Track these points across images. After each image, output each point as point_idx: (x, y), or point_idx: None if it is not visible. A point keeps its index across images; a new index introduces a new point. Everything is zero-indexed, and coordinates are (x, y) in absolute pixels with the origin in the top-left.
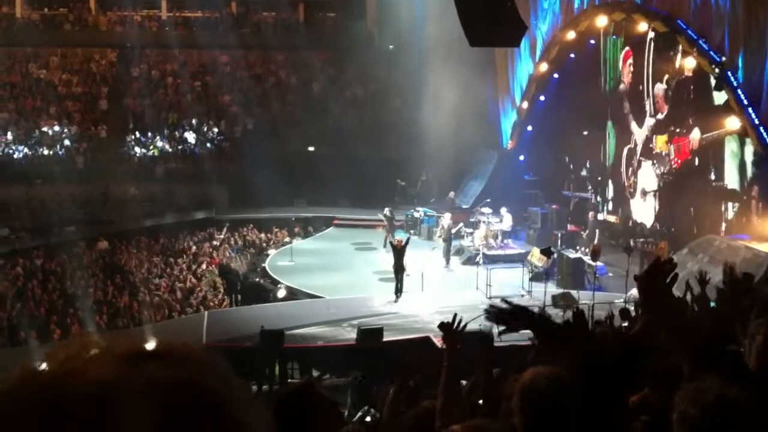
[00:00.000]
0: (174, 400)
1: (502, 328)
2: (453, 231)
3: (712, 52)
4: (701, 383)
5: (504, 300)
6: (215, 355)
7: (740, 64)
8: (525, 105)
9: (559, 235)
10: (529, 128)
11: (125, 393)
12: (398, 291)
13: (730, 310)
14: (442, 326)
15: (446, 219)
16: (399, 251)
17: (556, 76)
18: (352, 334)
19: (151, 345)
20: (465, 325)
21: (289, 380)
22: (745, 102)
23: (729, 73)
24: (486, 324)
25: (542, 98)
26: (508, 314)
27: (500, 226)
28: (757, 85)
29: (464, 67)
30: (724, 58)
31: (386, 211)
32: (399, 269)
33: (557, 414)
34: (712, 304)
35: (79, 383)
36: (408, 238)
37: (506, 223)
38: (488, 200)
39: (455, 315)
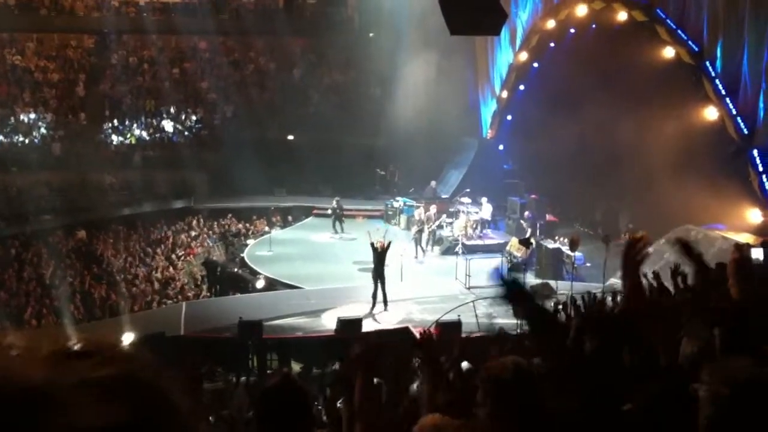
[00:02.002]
0: (112, 396)
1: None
2: (436, 223)
3: (690, 42)
4: (731, 362)
5: (520, 283)
6: (142, 349)
7: (719, 54)
8: (504, 94)
9: (539, 224)
10: (509, 117)
11: (58, 393)
12: (375, 298)
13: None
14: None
15: (421, 211)
16: (380, 255)
17: (535, 65)
18: (331, 325)
19: (76, 344)
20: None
21: (268, 371)
22: (723, 92)
23: (707, 63)
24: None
25: (522, 87)
26: (522, 296)
27: (480, 216)
28: (735, 75)
29: (445, 55)
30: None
31: (334, 201)
32: (379, 276)
33: (524, 403)
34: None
35: (5, 386)
36: (390, 243)
37: (486, 212)
38: (468, 190)
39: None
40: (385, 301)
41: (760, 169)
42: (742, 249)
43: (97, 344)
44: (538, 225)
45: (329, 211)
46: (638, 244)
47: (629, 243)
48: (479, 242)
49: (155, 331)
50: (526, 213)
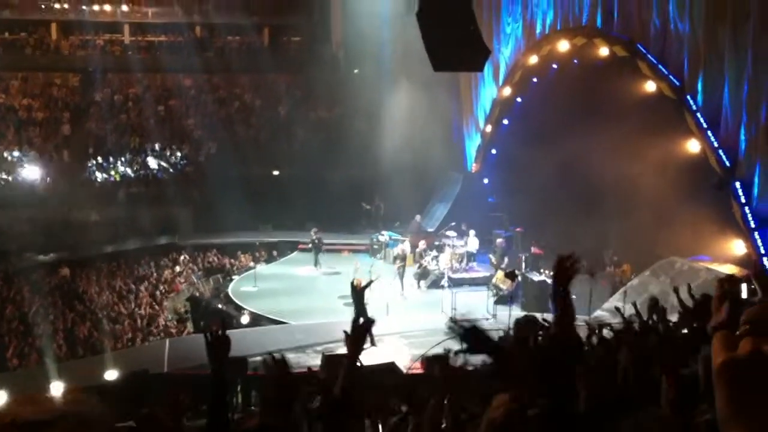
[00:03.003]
0: None
1: (463, 346)
2: (427, 259)
3: (671, 76)
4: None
5: (467, 321)
6: (105, 410)
7: (699, 88)
8: (489, 128)
9: (524, 257)
10: (494, 151)
11: None
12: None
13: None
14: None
15: (405, 245)
16: (358, 294)
17: (519, 100)
18: (316, 360)
19: (37, 414)
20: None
21: (252, 408)
22: (705, 125)
23: (688, 97)
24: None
25: (506, 122)
26: (471, 334)
27: (466, 249)
28: (716, 109)
29: (429, 90)
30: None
31: (312, 233)
32: (360, 315)
33: None
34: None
35: None
36: (370, 281)
37: (473, 245)
38: (453, 223)
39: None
40: (372, 339)
41: (743, 200)
42: (725, 284)
43: (59, 413)
44: (510, 254)
45: (309, 245)
46: (568, 261)
47: (559, 259)
48: (465, 275)
49: (139, 368)
50: (498, 240)
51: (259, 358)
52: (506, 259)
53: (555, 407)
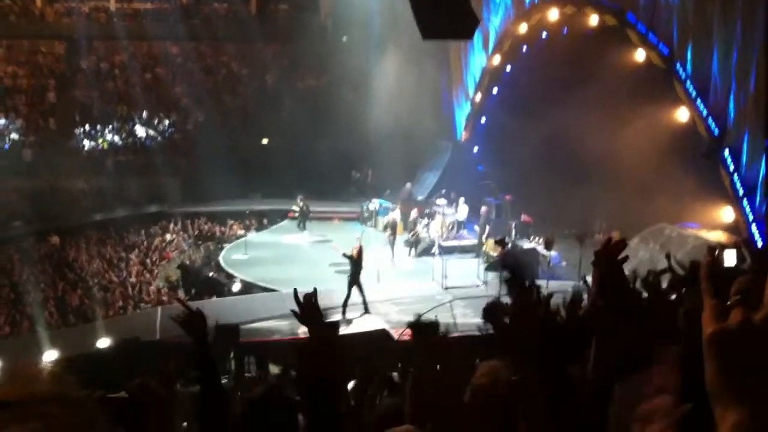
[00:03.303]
0: None
1: (507, 274)
2: (419, 227)
3: (660, 45)
4: (636, 380)
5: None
6: (59, 382)
7: (689, 57)
8: (478, 97)
9: (514, 225)
10: (483, 120)
11: None
12: (346, 305)
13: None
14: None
15: (395, 214)
16: (356, 263)
17: (508, 68)
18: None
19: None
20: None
21: (246, 375)
22: (694, 94)
23: (678, 65)
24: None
25: (495, 90)
26: (519, 267)
27: (455, 217)
28: (705, 77)
29: (418, 59)
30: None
31: (298, 200)
32: (355, 282)
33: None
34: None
35: None
36: (361, 247)
37: (462, 214)
38: (443, 191)
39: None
40: (366, 305)
41: (731, 168)
42: (715, 252)
43: (16, 394)
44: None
45: (297, 212)
46: (618, 246)
47: (606, 243)
48: (455, 243)
49: (131, 336)
50: (483, 209)
51: (251, 326)
52: (488, 228)
53: (556, 374)
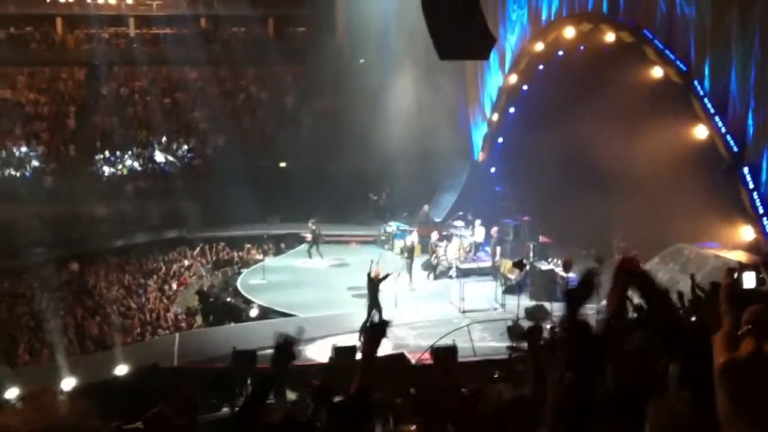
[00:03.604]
0: None
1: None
2: (437, 248)
3: (678, 62)
4: (673, 399)
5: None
6: (76, 412)
7: (707, 73)
8: (495, 117)
9: (532, 246)
10: (500, 140)
11: None
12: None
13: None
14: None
15: (413, 237)
16: (374, 285)
17: (525, 87)
18: (326, 353)
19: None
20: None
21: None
22: (712, 111)
23: (695, 82)
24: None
25: (512, 110)
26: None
27: (473, 239)
28: (723, 94)
29: (435, 79)
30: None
31: (310, 223)
32: (374, 306)
33: None
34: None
35: None
36: (387, 275)
37: (479, 235)
38: (461, 213)
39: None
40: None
41: (751, 186)
42: (734, 274)
43: (34, 425)
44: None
45: (309, 236)
46: (634, 262)
47: (623, 260)
48: (473, 265)
49: (148, 362)
50: (493, 229)
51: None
52: (499, 249)
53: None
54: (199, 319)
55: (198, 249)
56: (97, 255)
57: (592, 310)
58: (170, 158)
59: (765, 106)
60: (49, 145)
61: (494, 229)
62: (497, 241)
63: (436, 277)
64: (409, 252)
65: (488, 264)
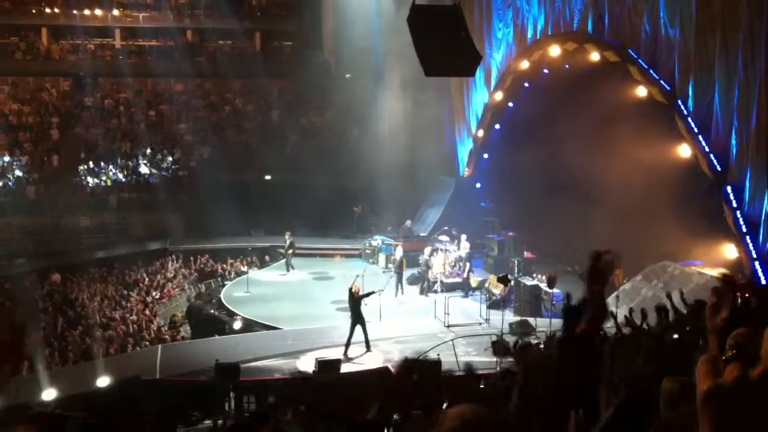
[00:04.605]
0: None
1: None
2: (428, 259)
3: (662, 81)
4: (675, 415)
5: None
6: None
7: (690, 93)
8: (481, 133)
9: (516, 262)
10: (486, 156)
11: None
12: (349, 342)
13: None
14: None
15: (399, 250)
16: (355, 301)
17: (510, 104)
18: (310, 366)
19: None
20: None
21: (245, 414)
22: (696, 130)
23: (679, 102)
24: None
25: (497, 127)
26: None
27: (458, 254)
28: (707, 113)
29: (421, 95)
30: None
31: (287, 236)
32: (357, 320)
33: None
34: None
35: None
36: (370, 293)
37: (464, 250)
38: (446, 228)
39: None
40: (367, 344)
41: (734, 205)
42: (720, 292)
43: None
44: (516, 261)
45: (290, 250)
46: (605, 256)
47: (594, 255)
48: (458, 280)
49: (130, 374)
50: (464, 244)
51: (252, 364)
52: (468, 265)
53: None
54: (184, 330)
55: (181, 261)
56: (80, 266)
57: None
58: (154, 170)
59: (748, 125)
60: (32, 156)
61: (466, 245)
62: (467, 257)
63: (425, 293)
64: (398, 266)
65: (475, 279)
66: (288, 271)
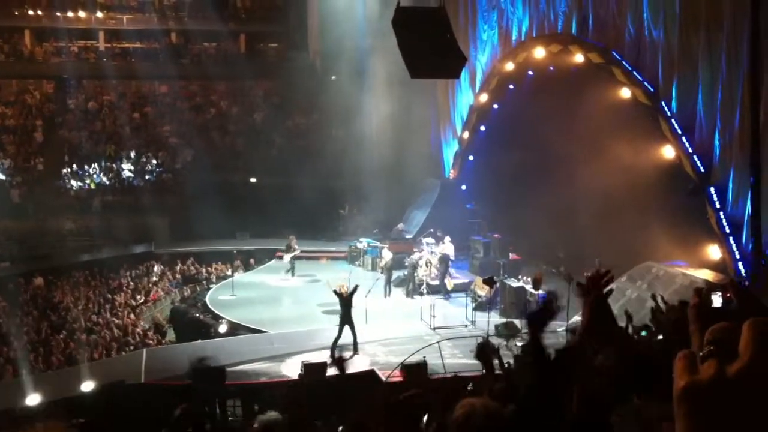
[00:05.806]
0: None
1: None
2: (416, 261)
3: (646, 83)
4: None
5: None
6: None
7: (674, 94)
8: (466, 135)
9: (502, 263)
10: (471, 158)
11: None
12: (335, 344)
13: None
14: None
15: (387, 252)
16: (345, 300)
17: (496, 106)
18: (295, 370)
19: None
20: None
21: (230, 418)
22: (679, 131)
23: (663, 103)
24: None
25: (483, 128)
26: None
27: (440, 256)
28: (690, 115)
29: (406, 97)
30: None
31: (292, 241)
32: (347, 321)
33: None
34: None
35: None
36: (356, 287)
37: (448, 251)
38: (431, 230)
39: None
40: (355, 346)
41: (718, 206)
42: (702, 294)
43: None
44: (501, 263)
45: (298, 253)
46: (605, 277)
47: (594, 275)
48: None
49: (115, 379)
50: (442, 246)
51: (237, 368)
52: (445, 267)
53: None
54: (170, 334)
55: (166, 264)
56: (64, 270)
57: (561, 328)
58: (139, 172)
59: (731, 126)
60: (15, 159)
61: (442, 247)
62: (445, 259)
63: (411, 295)
64: (386, 268)
65: (460, 280)
66: (293, 275)
